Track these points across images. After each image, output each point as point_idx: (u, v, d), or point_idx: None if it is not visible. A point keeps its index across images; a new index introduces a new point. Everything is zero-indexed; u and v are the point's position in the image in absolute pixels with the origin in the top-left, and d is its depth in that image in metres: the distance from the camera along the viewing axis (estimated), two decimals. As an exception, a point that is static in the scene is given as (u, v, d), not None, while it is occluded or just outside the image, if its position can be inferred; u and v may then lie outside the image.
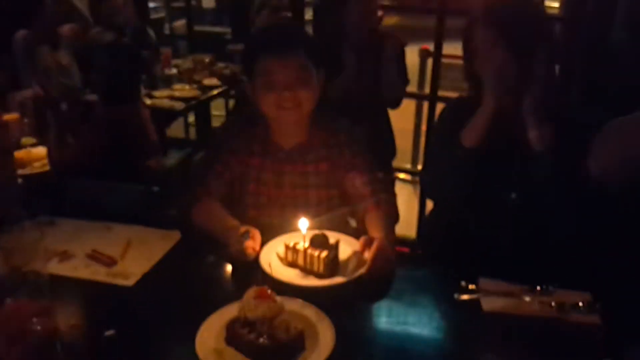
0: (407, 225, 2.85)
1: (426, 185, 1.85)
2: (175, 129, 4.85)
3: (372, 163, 1.76)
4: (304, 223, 1.47)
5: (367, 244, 1.44)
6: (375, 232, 1.54)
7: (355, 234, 1.57)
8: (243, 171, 1.76)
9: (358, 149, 1.74)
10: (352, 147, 1.74)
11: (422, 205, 3.25)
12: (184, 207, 1.69)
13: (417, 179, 4.17)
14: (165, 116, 4.02)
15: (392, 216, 1.69)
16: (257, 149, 1.74)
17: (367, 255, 1.41)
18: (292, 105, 1.62)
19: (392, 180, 2.14)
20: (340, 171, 1.74)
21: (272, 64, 1.60)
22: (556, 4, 3.57)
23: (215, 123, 4.28)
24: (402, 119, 3.84)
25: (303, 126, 1.72)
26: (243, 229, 1.49)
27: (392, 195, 1.74)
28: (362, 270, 1.39)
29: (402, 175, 4.35)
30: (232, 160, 1.75)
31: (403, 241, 2.04)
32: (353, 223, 1.82)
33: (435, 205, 1.95)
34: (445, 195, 1.76)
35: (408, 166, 4.51)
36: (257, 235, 1.51)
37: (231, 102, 4.64)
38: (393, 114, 2.96)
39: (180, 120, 4.86)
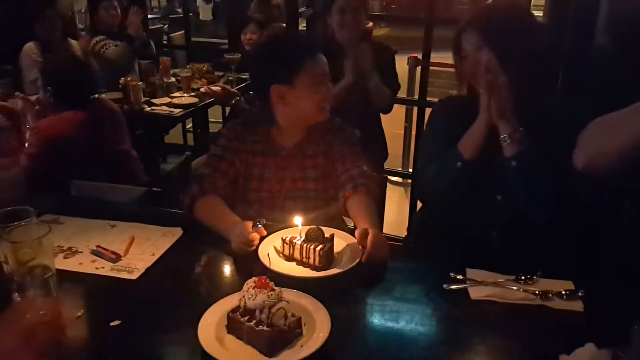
0: (398, 227, 2.90)
1: (420, 190, 1.91)
2: (174, 136, 4.92)
3: (357, 154, 1.87)
4: (299, 219, 1.53)
5: (363, 237, 1.50)
6: (362, 221, 1.62)
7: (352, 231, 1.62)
8: (246, 170, 1.86)
9: (345, 141, 1.88)
10: (341, 139, 1.87)
11: (412, 207, 3.32)
12: (187, 202, 1.74)
13: (408, 181, 4.25)
14: (164, 122, 4.10)
15: (371, 201, 1.75)
16: (260, 148, 1.86)
17: (366, 245, 1.47)
18: (329, 102, 1.78)
19: (383, 182, 2.18)
20: (333, 163, 1.86)
21: (319, 63, 1.76)
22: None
23: (213, 129, 4.34)
24: (393, 124, 3.91)
25: (304, 127, 1.85)
26: (250, 223, 1.55)
27: (372, 181, 1.82)
28: (356, 262, 1.45)
29: (393, 178, 4.44)
30: (236, 160, 1.85)
31: (394, 240, 2.08)
32: (351, 223, 1.88)
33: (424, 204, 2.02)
34: (438, 200, 1.82)
35: (399, 169, 4.60)
36: (261, 228, 1.57)
37: (227, 109, 4.70)
38: (384, 119, 3.02)
39: (179, 126, 4.93)
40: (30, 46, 3.99)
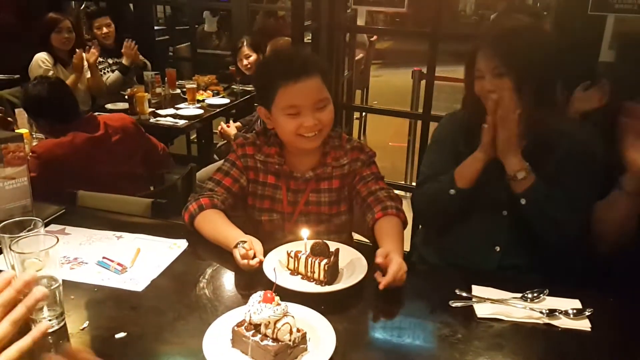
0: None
1: (414, 207, 1.88)
2: (178, 146, 4.94)
3: (378, 175, 1.81)
4: (305, 232, 1.53)
5: (383, 258, 1.45)
6: (387, 243, 1.56)
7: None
8: (257, 188, 1.82)
9: (365, 162, 1.80)
10: (361, 161, 1.80)
11: (415, 220, 3.30)
12: (187, 218, 1.73)
13: (410, 194, 4.23)
14: (168, 133, 4.12)
15: (400, 223, 1.69)
16: (272, 168, 1.79)
17: (386, 273, 1.42)
18: (312, 132, 1.65)
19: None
20: (349, 186, 1.80)
21: (292, 91, 1.62)
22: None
23: (217, 140, 4.36)
24: (396, 137, 3.95)
25: (317, 150, 1.77)
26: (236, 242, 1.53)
27: (399, 202, 1.75)
28: (361, 277, 1.45)
29: (396, 191, 4.40)
30: (244, 177, 1.80)
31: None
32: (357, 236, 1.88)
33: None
34: (429, 222, 1.83)
35: (401, 182, 4.59)
36: (256, 245, 1.54)
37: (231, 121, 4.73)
38: (387, 132, 3.03)
39: (183, 138, 4.95)
40: (42, 56, 4.02)
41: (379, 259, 1.45)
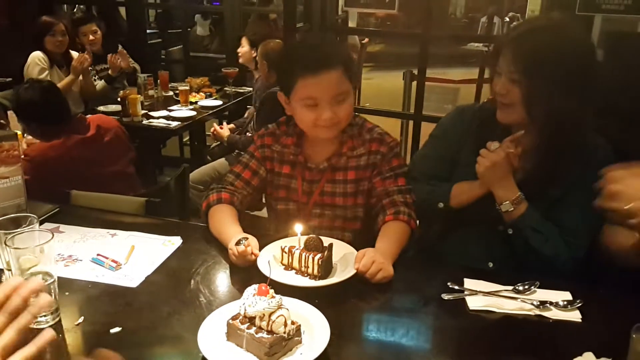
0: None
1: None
2: (171, 148, 4.94)
3: (398, 172, 1.75)
4: (298, 227, 1.54)
5: (358, 259, 1.47)
6: (378, 243, 1.58)
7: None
8: (273, 178, 1.82)
9: (384, 156, 1.74)
10: (382, 155, 1.74)
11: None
12: (205, 206, 1.75)
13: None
14: (161, 135, 4.14)
15: (406, 230, 1.65)
16: (288, 157, 1.79)
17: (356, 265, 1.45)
18: (330, 124, 1.64)
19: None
20: (368, 179, 1.76)
21: (311, 83, 1.60)
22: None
23: (210, 142, 4.37)
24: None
25: (335, 139, 1.75)
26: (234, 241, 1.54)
27: (413, 210, 1.70)
28: (354, 271, 1.46)
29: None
30: (262, 168, 1.81)
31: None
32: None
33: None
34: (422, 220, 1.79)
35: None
36: (252, 241, 1.55)
37: (225, 123, 4.74)
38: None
39: (175, 139, 4.96)
40: (38, 55, 4.01)
41: (355, 265, 1.46)
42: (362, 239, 1.70)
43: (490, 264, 1.70)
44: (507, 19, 11.01)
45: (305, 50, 1.68)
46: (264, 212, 2.40)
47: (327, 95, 1.61)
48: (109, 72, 4.38)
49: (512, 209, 1.59)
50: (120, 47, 4.51)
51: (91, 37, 4.41)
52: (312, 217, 1.78)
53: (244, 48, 4.22)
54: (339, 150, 1.75)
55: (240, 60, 4.27)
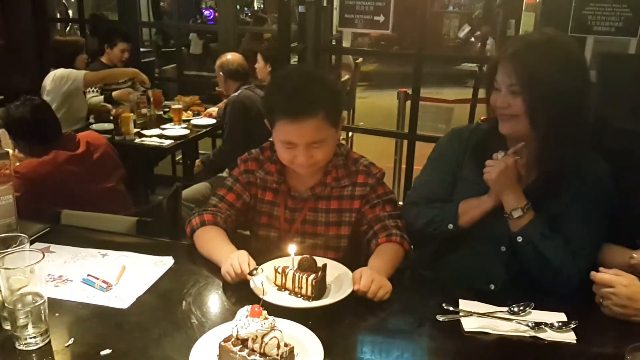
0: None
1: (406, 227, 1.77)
2: (163, 167, 4.92)
3: (386, 200, 1.75)
4: (292, 248, 1.53)
5: (356, 280, 1.47)
6: (371, 261, 1.58)
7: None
8: (256, 204, 1.81)
9: (372, 187, 1.75)
10: (370, 185, 1.74)
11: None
12: (189, 231, 1.73)
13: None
14: (154, 155, 4.12)
15: (399, 250, 1.65)
16: (270, 185, 1.78)
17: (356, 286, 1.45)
18: (306, 165, 1.65)
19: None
20: (352, 210, 1.75)
21: (289, 129, 1.60)
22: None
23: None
24: (383, 157, 3.97)
25: (318, 170, 1.74)
26: (246, 257, 1.53)
27: (405, 232, 1.70)
28: (349, 292, 1.44)
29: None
30: (246, 193, 1.80)
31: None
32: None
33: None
34: (418, 243, 1.79)
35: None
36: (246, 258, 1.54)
37: (218, 142, 4.74)
38: (373, 153, 3.06)
39: (168, 158, 4.95)
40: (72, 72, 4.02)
41: (354, 287, 1.45)
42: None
43: (492, 286, 1.69)
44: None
45: (286, 93, 1.62)
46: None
47: (303, 140, 1.61)
48: (113, 94, 4.46)
49: (523, 214, 1.59)
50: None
51: (126, 55, 4.64)
52: (294, 244, 1.75)
53: (259, 64, 4.24)
54: (322, 180, 1.75)
55: (259, 76, 4.28)
